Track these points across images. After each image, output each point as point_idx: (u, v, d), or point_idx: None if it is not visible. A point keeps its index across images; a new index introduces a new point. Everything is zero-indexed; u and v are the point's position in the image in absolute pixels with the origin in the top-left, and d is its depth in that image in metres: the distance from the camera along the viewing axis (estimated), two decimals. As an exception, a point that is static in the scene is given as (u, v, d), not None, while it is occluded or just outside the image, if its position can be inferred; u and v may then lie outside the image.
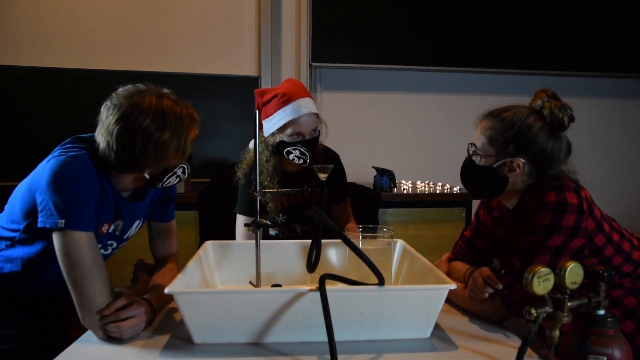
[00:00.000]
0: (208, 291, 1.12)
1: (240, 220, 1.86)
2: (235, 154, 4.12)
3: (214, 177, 3.46)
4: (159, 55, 4.11)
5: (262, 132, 1.73)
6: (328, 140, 4.40)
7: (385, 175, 3.18)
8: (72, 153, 1.20)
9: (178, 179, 1.34)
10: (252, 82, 4.20)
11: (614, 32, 4.48)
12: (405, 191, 3.32)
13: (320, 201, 1.79)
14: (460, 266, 1.40)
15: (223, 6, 4.22)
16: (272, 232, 1.92)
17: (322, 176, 1.22)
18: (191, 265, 1.27)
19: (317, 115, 1.77)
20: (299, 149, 1.69)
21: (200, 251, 1.40)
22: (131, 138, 1.18)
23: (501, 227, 1.38)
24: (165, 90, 1.30)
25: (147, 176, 1.27)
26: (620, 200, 4.74)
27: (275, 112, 1.67)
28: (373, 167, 3.27)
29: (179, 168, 1.32)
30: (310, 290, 1.04)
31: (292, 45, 4.35)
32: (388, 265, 1.38)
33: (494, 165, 1.29)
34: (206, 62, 4.17)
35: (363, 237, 1.37)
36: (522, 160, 1.27)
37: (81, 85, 3.73)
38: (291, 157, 1.71)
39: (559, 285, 1.02)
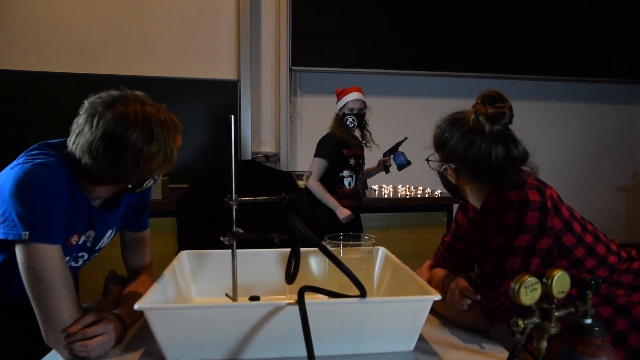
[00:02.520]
0: (180, 307, 1.05)
1: (316, 164, 3.03)
2: (215, 158, 4.07)
3: (193, 183, 3.38)
4: (137, 59, 4.02)
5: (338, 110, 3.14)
6: (307, 143, 4.39)
7: (399, 153, 3.22)
8: (39, 160, 1.13)
9: (154, 181, 1.28)
10: (231, 86, 4.15)
11: (592, 38, 4.53)
12: (386, 196, 3.29)
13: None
14: (440, 273, 1.36)
15: (202, 10, 4.15)
16: (346, 182, 3.00)
17: (300, 183, 1.18)
18: (165, 277, 1.20)
19: (364, 102, 3.08)
20: (350, 118, 3.04)
21: (175, 262, 1.33)
22: (122, 154, 1.11)
23: (474, 230, 1.35)
24: (140, 94, 1.23)
25: (129, 186, 1.20)
26: (598, 201, 4.78)
27: (341, 98, 3.08)
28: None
29: None
30: (289, 304, 0.99)
31: (271, 49, 4.30)
32: (370, 274, 1.33)
33: (441, 170, 1.29)
34: (185, 66, 4.10)
35: (344, 246, 1.33)
36: (452, 166, 1.25)
37: (58, 90, 3.62)
38: (348, 122, 3.05)
39: (546, 294, 0.98)
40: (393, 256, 1.37)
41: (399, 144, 3.20)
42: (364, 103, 3.09)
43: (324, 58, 4.21)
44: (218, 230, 2.91)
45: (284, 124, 4.23)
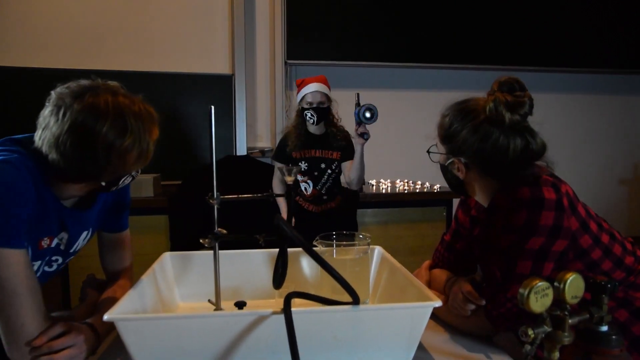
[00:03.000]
0: (154, 317, 0.95)
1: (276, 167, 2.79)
2: (208, 153, 3.95)
3: (186, 179, 3.28)
4: (130, 54, 3.91)
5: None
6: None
7: (363, 107, 2.61)
8: (1, 157, 1.02)
9: (132, 178, 1.18)
10: (225, 81, 4.03)
11: (592, 29, 4.42)
12: (384, 190, 3.18)
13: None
14: (441, 275, 1.25)
15: (195, 4, 4.03)
16: (302, 186, 2.70)
17: (289, 179, 1.08)
18: (142, 282, 1.10)
19: (325, 94, 2.65)
20: (309, 112, 2.63)
21: (156, 264, 1.23)
22: (92, 149, 1.00)
23: (479, 228, 1.24)
24: (114, 83, 1.12)
25: (103, 184, 1.10)
26: (599, 194, 4.69)
27: (299, 90, 2.68)
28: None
29: None
30: (274, 313, 0.89)
31: (266, 43, 4.18)
32: (365, 276, 1.23)
33: (446, 164, 1.17)
34: (179, 61, 3.98)
35: (337, 246, 1.23)
36: (462, 160, 1.13)
37: (49, 85, 3.50)
38: (307, 117, 2.64)
39: (558, 300, 0.88)
40: (390, 256, 1.27)
41: (357, 102, 2.58)
42: (326, 96, 2.65)
43: (320, 51, 4.10)
44: (212, 229, 2.79)
45: (280, 119, 4.13)
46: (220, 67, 4.09)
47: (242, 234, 1.07)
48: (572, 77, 4.58)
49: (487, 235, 1.15)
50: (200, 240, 1.02)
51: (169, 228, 2.84)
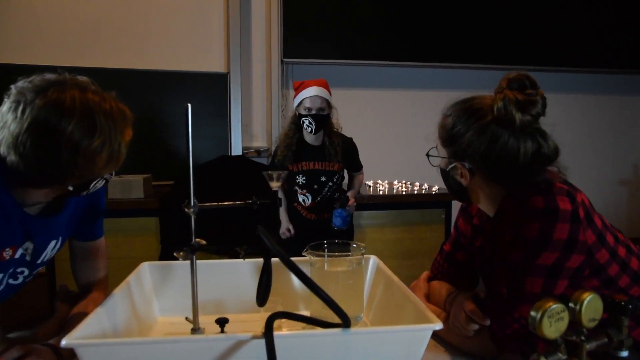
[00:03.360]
0: (118, 342, 0.84)
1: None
2: (202, 153, 3.86)
3: (178, 180, 3.17)
4: (123, 51, 3.79)
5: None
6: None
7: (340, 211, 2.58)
8: None
9: (105, 181, 1.06)
10: (220, 79, 3.93)
11: (594, 28, 4.32)
12: (381, 192, 3.08)
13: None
14: (441, 288, 1.13)
15: (190, 1, 3.92)
16: (300, 198, 2.53)
17: (274, 185, 0.97)
18: (114, 297, 0.99)
19: (325, 100, 2.39)
20: (307, 120, 2.36)
21: (132, 276, 1.12)
22: (55, 150, 0.89)
23: (481, 238, 1.12)
24: (83, 79, 1.01)
25: (70, 188, 0.99)
26: (599, 194, 4.58)
27: (297, 94, 2.42)
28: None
29: None
30: (254, 337, 0.78)
31: (262, 41, 4.07)
32: (359, 290, 1.12)
33: (447, 169, 1.05)
34: (173, 59, 3.87)
35: (328, 257, 1.12)
36: (466, 164, 1.00)
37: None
38: (304, 125, 2.38)
39: (573, 322, 0.77)
40: (385, 267, 1.16)
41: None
42: (327, 102, 2.39)
43: (317, 49, 3.99)
44: (206, 232, 2.67)
45: (276, 118, 4.02)
46: (215, 65, 3.98)
47: (222, 244, 0.96)
48: (572, 76, 4.47)
49: (492, 247, 1.04)
50: (175, 254, 0.91)
51: (159, 230, 2.73)
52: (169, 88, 3.81)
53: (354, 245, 1.14)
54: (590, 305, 0.77)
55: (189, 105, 0.97)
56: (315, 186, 2.48)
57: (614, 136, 4.67)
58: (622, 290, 0.98)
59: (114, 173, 1.07)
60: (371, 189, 3.24)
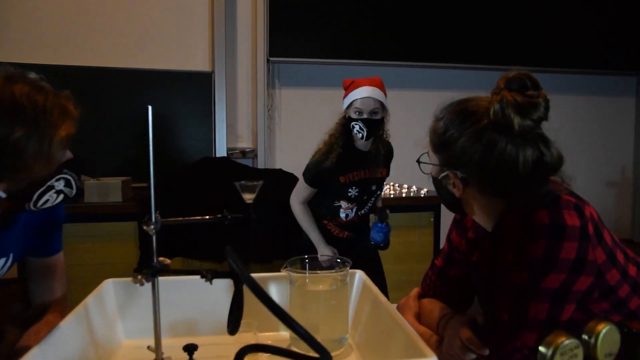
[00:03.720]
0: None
1: (300, 185, 2.17)
2: (185, 154, 3.72)
3: (160, 183, 3.04)
4: (105, 50, 3.64)
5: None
6: (286, 138, 3.94)
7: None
8: None
9: (61, 196, 0.94)
10: (205, 78, 3.80)
11: (583, 30, 4.26)
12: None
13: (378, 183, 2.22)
14: (433, 308, 1.02)
15: (173, -2, 3.79)
16: (343, 214, 2.15)
17: (247, 197, 0.86)
18: (69, 321, 0.87)
19: (379, 102, 2.07)
20: (358, 124, 2.04)
21: (91, 297, 1.00)
22: None
23: (478, 253, 1.02)
24: (30, 74, 0.89)
25: (2, 194, 0.86)
26: (587, 196, 4.52)
27: (347, 94, 2.10)
28: None
29: (59, 180, 0.92)
30: (220, 378, 0.67)
31: (248, 39, 3.95)
32: (343, 309, 1.01)
33: (439, 177, 0.93)
34: (156, 57, 3.73)
35: (310, 274, 1.01)
36: (459, 174, 0.89)
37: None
38: (354, 131, 2.06)
39: (587, 356, 0.67)
40: (372, 285, 1.04)
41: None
42: (381, 104, 2.07)
43: (303, 48, 3.88)
44: (187, 237, 2.52)
45: (262, 118, 3.89)
46: (199, 64, 3.85)
47: (201, 256, 0.85)
48: (561, 77, 4.40)
49: (491, 267, 0.93)
50: (131, 279, 0.79)
51: (138, 235, 2.60)
52: (151, 87, 3.68)
53: (338, 260, 1.03)
54: (607, 337, 0.67)
55: (150, 107, 0.84)
56: (365, 197, 2.15)
57: (603, 137, 4.62)
58: (632, 313, 0.88)
59: (73, 185, 0.95)
60: (359, 191, 3.14)
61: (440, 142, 0.90)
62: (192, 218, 0.87)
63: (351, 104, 2.06)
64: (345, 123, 2.11)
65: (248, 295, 0.83)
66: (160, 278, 0.98)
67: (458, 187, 0.91)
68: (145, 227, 0.81)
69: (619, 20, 4.32)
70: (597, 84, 4.53)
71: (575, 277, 0.79)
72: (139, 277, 0.78)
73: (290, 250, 2.58)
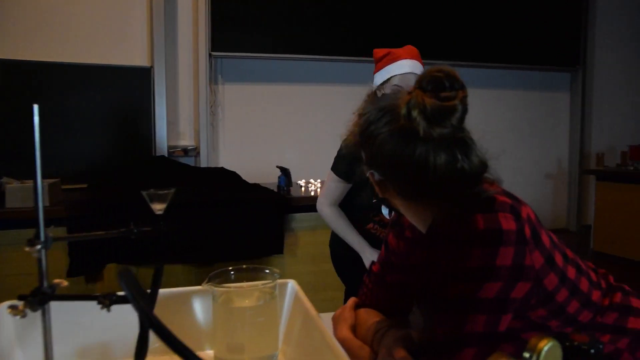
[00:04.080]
0: None
1: (332, 179, 1.75)
2: (122, 152, 3.51)
3: (92, 183, 2.84)
4: (39, 44, 3.37)
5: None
6: (231, 136, 3.82)
7: (282, 174, 2.70)
8: None
9: None
10: (143, 73, 3.60)
11: (520, 26, 4.34)
12: (313, 193, 2.88)
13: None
14: (369, 318, 0.93)
15: (107, -13, 3.56)
16: (385, 210, 1.76)
17: (158, 208, 0.74)
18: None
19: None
20: None
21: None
22: None
23: (415, 256, 0.94)
24: None
25: None
26: (527, 188, 4.64)
27: (384, 67, 1.75)
28: (277, 167, 2.80)
29: None
30: None
31: (189, 33, 3.77)
32: (273, 326, 0.92)
33: (367, 175, 0.84)
34: (91, 51, 3.49)
35: (234, 288, 0.90)
36: (376, 174, 0.81)
37: None
38: None
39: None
40: (304, 297, 0.95)
41: None
42: None
43: (248, 43, 3.75)
44: (124, 245, 2.31)
45: (204, 115, 3.73)
46: (137, 58, 3.64)
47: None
48: (501, 72, 4.49)
49: (428, 275, 0.86)
50: (8, 310, 0.66)
51: (67, 242, 2.40)
52: (85, 83, 3.44)
53: (267, 271, 0.93)
54: (549, 355, 0.61)
55: (36, 105, 0.71)
56: None
57: (540, 131, 4.75)
58: (571, 317, 0.83)
59: None
60: (303, 189, 3.04)
61: (362, 138, 0.81)
62: (94, 233, 0.75)
63: (388, 80, 1.71)
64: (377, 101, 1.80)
65: (166, 313, 0.72)
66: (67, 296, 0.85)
67: (376, 187, 0.83)
68: (27, 249, 0.67)
69: (555, 19, 4.43)
70: (534, 79, 4.65)
71: (513, 285, 0.73)
72: (20, 307, 0.65)
73: (233, 252, 2.46)
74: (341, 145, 1.66)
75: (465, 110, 0.74)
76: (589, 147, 4.80)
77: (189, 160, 3.65)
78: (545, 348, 0.61)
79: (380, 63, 1.78)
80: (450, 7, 4.11)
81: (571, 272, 0.82)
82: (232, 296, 0.91)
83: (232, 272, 0.94)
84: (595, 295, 0.86)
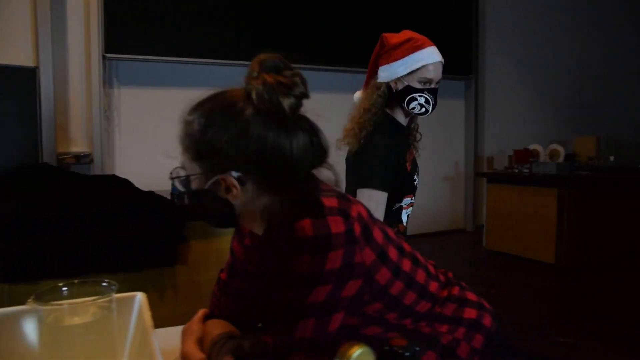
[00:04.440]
0: None
1: (378, 197, 1.44)
2: (4, 157, 3.20)
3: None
4: None
5: (377, 78, 1.55)
6: (127, 142, 3.62)
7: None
8: None
9: None
10: (27, 74, 3.31)
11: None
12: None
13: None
14: (214, 330, 0.89)
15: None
16: (405, 214, 1.60)
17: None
18: None
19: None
20: (425, 96, 1.52)
21: None
22: None
23: (252, 263, 0.92)
24: None
25: None
26: (426, 191, 4.84)
27: (408, 55, 1.49)
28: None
29: None
30: None
31: (80, 33, 3.53)
32: (107, 346, 0.84)
33: (206, 187, 0.80)
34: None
35: (60, 306, 0.82)
36: (234, 174, 0.77)
37: None
38: (413, 104, 1.52)
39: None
40: (146, 314, 0.88)
41: None
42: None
43: (145, 45, 3.57)
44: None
45: (97, 120, 3.50)
46: (20, 58, 3.34)
47: None
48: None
49: (264, 285, 0.83)
50: None
51: None
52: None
53: (104, 284, 0.85)
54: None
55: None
56: (416, 183, 1.68)
57: (439, 136, 4.98)
58: (408, 308, 0.84)
59: None
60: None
61: (201, 146, 0.77)
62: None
63: (416, 70, 1.47)
64: (398, 95, 1.51)
65: None
66: None
67: (234, 191, 0.78)
68: None
69: (449, 31, 4.67)
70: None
71: (343, 284, 0.72)
72: None
73: (118, 264, 2.31)
74: (366, 156, 1.46)
75: (305, 83, 0.75)
76: (482, 151, 5.11)
77: (82, 168, 3.41)
78: (355, 354, 0.60)
79: (399, 50, 1.49)
80: (322, 13, 4.20)
81: (406, 265, 0.84)
82: (62, 314, 0.82)
83: (64, 289, 0.85)
84: (433, 286, 0.89)
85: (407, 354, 0.63)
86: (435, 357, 0.86)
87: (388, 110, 1.56)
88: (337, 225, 0.72)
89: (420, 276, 0.87)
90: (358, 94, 1.65)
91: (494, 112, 5.15)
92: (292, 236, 0.72)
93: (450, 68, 4.81)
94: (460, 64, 4.80)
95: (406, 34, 1.54)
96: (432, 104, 1.54)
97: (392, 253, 0.81)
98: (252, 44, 3.82)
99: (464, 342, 0.88)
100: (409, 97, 1.51)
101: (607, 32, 5.72)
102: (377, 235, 0.79)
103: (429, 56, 1.50)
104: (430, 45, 1.52)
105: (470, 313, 0.90)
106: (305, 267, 0.71)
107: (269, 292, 0.80)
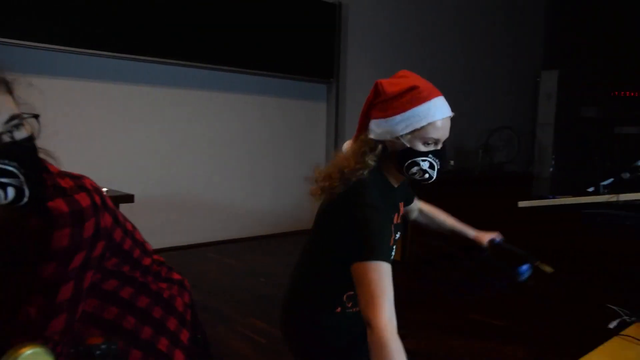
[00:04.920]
0: None
1: (384, 269, 1.07)
2: None
3: None
4: None
5: (369, 133, 1.23)
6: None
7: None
8: None
9: None
10: None
11: (287, 43, 4.58)
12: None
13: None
14: None
15: None
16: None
17: None
18: None
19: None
20: (429, 160, 1.20)
21: None
22: None
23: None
24: None
25: None
26: (288, 192, 4.93)
27: (410, 108, 1.17)
28: None
29: None
30: None
31: None
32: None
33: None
34: None
35: None
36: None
37: None
38: (414, 169, 1.20)
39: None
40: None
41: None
42: None
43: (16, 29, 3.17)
44: None
45: None
46: None
47: None
48: (261, 80, 4.69)
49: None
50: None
51: None
52: None
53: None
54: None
55: None
56: (397, 237, 1.37)
57: (300, 137, 5.09)
58: (136, 261, 0.97)
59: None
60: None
61: None
62: None
63: (420, 128, 1.17)
64: (396, 157, 1.21)
65: None
66: None
67: None
68: None
69: (312, 38, 4.82)
70: (294, 89, 4.97)
71: (94, 247, 0.84)
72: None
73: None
74: (365, 220, 1.11)
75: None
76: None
77: None
78: (24, 355, 0.57)
79: (399, 102, 1.18)
80: (215, 12, 4.13)
81: (129, 225, 1.00)
82: None
83: None
84: (148, 246, 1.04)
85: (97, 352, 0.62)
86: (140, 355, 0.94)
87: (384, 170, 1.27)
88: (84, 200, 0.83)
89: (138, 235, 1.01)
90: (346, 146, 1.35)
91: (355, 114, 5.38)
92: (50, 216, 0.79)
93: (312, 71, 4.98)
94: (322, 68, 4.95)
95: (407, 80, 1.22)
96: (437, 169, 1.22)
97: (119, 215, 0.96)
98: (88, 32, 3.56)
99: (179, 298, 1.04)
100: (409, 161, 1.20)
101: (464, 38, 6.25)
102: (108, 201, 0.91)
103: (438, 111, 1.19)
104: (438, 96, 1.21)
105: (177, 275, 1.09)
106: (66, 240, 0.79)
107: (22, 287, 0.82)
